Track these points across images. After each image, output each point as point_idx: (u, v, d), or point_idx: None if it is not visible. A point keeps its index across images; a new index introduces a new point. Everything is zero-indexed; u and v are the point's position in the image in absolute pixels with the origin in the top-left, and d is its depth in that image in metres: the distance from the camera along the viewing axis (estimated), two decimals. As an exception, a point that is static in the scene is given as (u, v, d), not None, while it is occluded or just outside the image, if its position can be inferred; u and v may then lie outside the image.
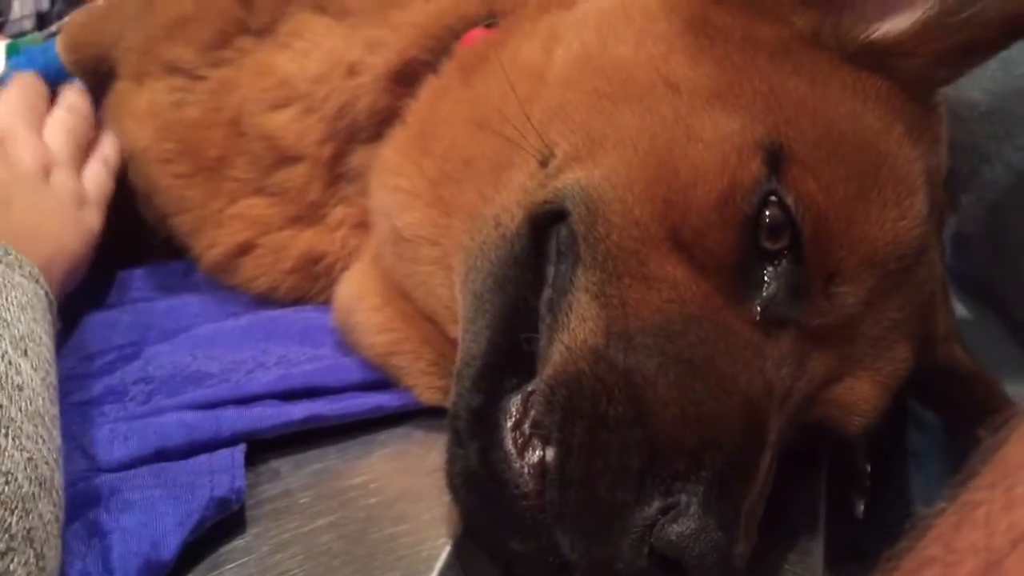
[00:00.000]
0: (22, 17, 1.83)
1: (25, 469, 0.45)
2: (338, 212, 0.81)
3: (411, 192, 0.69)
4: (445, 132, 0.69)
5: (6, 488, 0.43)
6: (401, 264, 0.71)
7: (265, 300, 0.83)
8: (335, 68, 0.79)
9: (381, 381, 0.70)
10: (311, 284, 0.82)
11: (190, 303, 0.84)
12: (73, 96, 0.93)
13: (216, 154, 0.84)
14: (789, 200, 0.55)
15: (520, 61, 0.67)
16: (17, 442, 0.46)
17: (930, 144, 0.63)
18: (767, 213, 0.55)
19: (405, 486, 0.62)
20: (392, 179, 0.71)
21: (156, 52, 0.90)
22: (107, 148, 0.91)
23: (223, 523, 0.58)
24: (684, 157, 0.56)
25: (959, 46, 0.61)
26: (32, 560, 0.42)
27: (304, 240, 0.82)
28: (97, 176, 0.87)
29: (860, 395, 0.58)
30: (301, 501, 0.61)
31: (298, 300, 0.82)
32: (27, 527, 0.43)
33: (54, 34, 1.14)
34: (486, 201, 0.63)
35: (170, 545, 0.54)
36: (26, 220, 0.73)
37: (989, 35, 0.60)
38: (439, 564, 0.55)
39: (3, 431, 0.46)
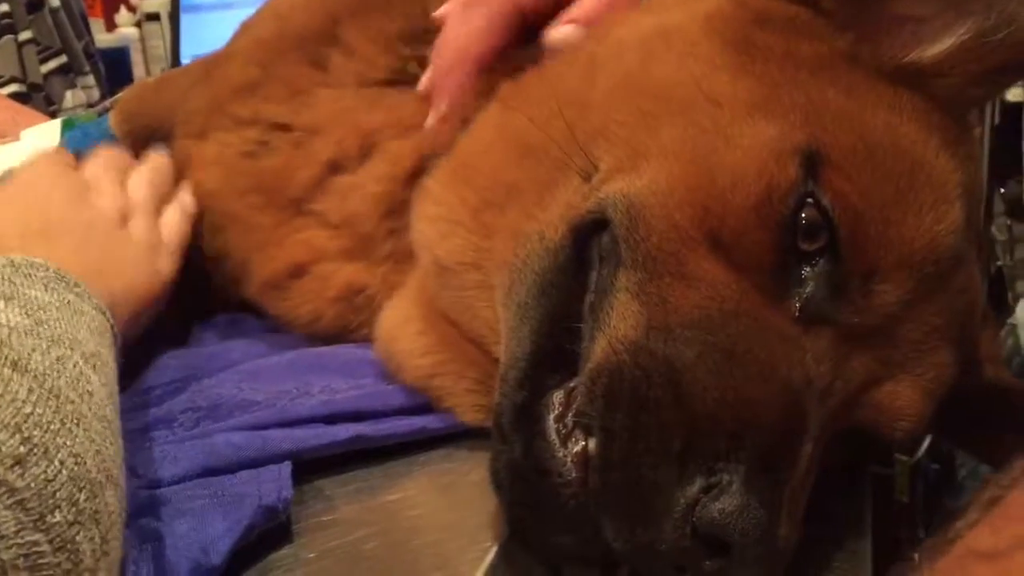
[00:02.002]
0: (75, 107, 1.93)
1: (94, 458, 0.47)
2: (387, 246, 0.83)
3: (452, 220, 0.71)
4: (486, 161, 0.72)
5: (76, 468, 0.44)
6: (445, 292, 0.72)
7: (308, 334, 0.85)
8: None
9: (423, 406, 0.71)
10: (354, 316, 0.84)
11: (235, 348, 0.86)
12: (156, 157, 0.97)
13: (295, 195, 0.87)
14: (825, 201, 0.56)
15: (562, 88, 0.69)
16: (88, 433, 0.48)
17: (965, 160, 0.64)
18: (804, 214, 0.56)
19: (449, 499, 0.63)
20: (433, 209, 0.73)
21: (224, 110, 0.93)
22: (185, 197, 0.94)
23: (271, 534, 0.59)
24: (723, 164, 0.57)
25: (993, 67, 0.62)
26: (97, 539, 0.44)
27: (348, 271, 0.84)
28: (174, 221, 0.90)
29: (903, 399, 0.59)
30: (346, 514, 0.62)
31: (340, 332, 0.84)
32: (94, 508, 0.44)
33: (108, 109, 1.20)
34: (530, 219, 0.64)
35: (220, 550, 0.55)
36: (98, 261, 0.75)
37: (1018, 58, 0.62)
38: (484, 565, 0.55)
39: (74, 421, 0.47)
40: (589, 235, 0.60)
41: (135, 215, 0.86)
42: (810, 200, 0.56)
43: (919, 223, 0.57)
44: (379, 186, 0.82)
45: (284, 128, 0.89)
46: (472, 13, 0.79)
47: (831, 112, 0.59)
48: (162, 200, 0.92)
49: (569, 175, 0.63)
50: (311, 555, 0.58)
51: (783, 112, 0.59)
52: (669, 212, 0.56)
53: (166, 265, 0.86)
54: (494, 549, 0.56)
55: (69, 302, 0.63)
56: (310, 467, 0.66)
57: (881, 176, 0.58)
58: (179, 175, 0.95)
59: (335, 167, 0.85)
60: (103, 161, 0.92)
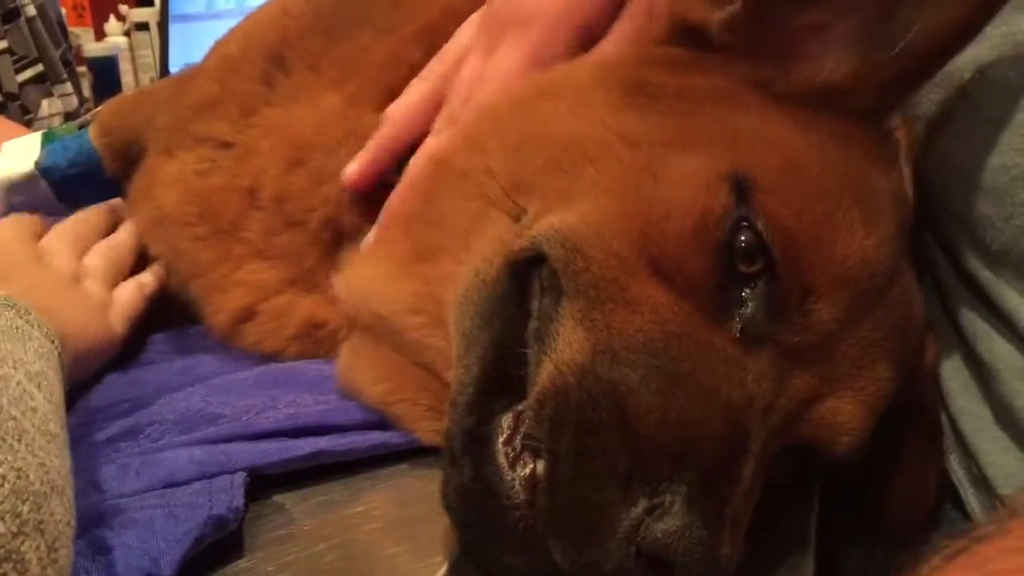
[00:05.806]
0: (50, 115, 1.93)
1: (37, 471, 0.48)
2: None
3: (387, 273, 0.72)
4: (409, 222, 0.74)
5: (18, 482, 0.46)
6: (391, 336, 0.72)
7: (275, 359, 0.86)
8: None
9: (385, 421, 0.72)
10: (316, 347, 0.85)
11: (205, 362, 0.87)
12: (123, 234, 0.99)
13: (231, 217, 0.89)
14: (759, 224, 0.57)
15: (459, 164, 0.71)
16: (30, 449, 0.49)
17: (888, 169, 0.66)
18: (741, 238, 0.57)
19: (406, 513, 0.64)
20: (366, 269, 0.75)
21: (186, 128, 0.95)
22: (146, 275, 0.96)
23: (228, 546, 0.59)
24: (655, 196, 0.59)
25: (898, 77, 0.65)
26: (43, 549, 0.45)
27: (305, 306, 0.85)
28: (128, 293, 0.92)
29: (843, 414, 0.60)
30: (305, 528, 0.63)
31: (306, 358, 0.85)
32: (38, 519, 0.45)
33: (88, 122, 1.21)
34: (461, 264, 0.66)
35: (169, 561, 0.55)
36: (50, 301, 0.76)
37: (923, 62, 0.64)
38: (433, 582, 0.56)
39: (16, 438, 0.49)
40: (526, 269, 0.61)
41: (87, 279, 0.89)
42: (744, 224, 0.58)
43: (851, 239, 0.59)
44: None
45: (229, 146, 0.91)
46: None
47: (748, 137, 0.61)
48: (119, 274, 0.94)
49: (496, 215, 0.64)
50: (270, 568, 0.58)
51: (701, 142, 0.61)
52: (607, 242, 0.57)
53: (118, 325, 0.87)
54: (445, 566, 0.57)
55: (17, 327, 0.64)
56: (273, 481, 0.67)
57: (809, 196, 0.59)
58: (147, 191, 0.96)
59: (255, 196, 0.87)
60: (68, 228, 0.95)
